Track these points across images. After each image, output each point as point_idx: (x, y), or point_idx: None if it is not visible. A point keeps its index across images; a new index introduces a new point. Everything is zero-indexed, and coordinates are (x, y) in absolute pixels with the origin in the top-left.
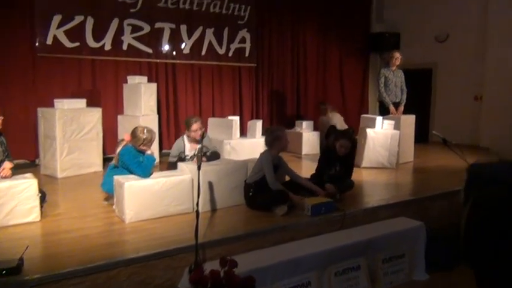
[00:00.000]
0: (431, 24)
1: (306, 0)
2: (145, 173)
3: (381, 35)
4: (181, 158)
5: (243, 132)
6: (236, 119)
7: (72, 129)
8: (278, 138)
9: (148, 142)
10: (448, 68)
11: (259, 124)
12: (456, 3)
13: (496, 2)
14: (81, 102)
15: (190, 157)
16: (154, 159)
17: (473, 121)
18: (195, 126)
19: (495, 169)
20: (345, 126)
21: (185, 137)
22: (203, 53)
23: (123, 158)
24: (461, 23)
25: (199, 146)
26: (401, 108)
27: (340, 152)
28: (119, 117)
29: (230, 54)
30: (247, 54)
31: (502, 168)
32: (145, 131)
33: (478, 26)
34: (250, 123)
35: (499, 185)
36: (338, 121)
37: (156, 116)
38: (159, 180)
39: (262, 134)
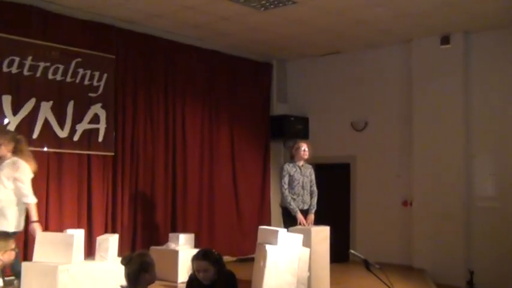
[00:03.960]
0: (346, 108)
1: (186, 70)
2: None
3: (284, 118)
4: None
5: (91, 253)
6: (79, 233)
7: None
8: (146, 269)
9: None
10: (368, 163)
11: (113, 240)
12: (376, 85)
13: (420, 87)
14: None
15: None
16: None
17: (404, 233)
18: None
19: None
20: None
21: None
22: (35, 135)
23: None
24: (382, 108)
25: None
26: (312, 216)
27: (201, 278)
28: None
29: (76, 138)
30: (101, 138)
31: None
32: None
33: (402, 113)
34: (100, 239)
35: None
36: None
37: None
38: None
39: (119, 256)
